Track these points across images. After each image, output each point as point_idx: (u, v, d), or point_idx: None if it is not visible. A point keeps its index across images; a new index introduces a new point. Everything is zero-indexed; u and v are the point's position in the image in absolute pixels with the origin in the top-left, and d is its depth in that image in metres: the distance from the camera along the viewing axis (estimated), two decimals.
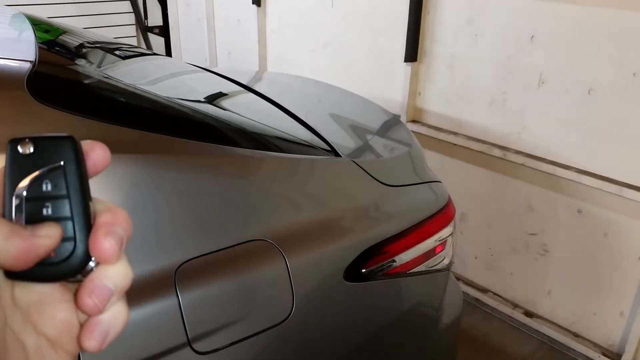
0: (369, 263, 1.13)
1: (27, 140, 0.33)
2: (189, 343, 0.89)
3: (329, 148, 1.27)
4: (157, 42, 4.33)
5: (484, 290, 2.48)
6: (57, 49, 1.28)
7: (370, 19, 2.62)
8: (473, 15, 2.18)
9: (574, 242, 2.12)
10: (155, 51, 4.11)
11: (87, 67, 1.22)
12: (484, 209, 2.40)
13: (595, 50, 1.86)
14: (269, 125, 1.35)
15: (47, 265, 0.33)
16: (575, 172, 1.99)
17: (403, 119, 2.50)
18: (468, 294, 2.50)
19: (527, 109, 2.11)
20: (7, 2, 3.33)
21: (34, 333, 0.34)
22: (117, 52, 1.59)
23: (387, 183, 1.24)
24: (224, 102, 1.47)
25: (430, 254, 1.27)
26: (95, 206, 0.35)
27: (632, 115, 1.83)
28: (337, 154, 1.25)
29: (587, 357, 2.13)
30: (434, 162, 2.47)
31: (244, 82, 1.72)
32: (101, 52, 1.48)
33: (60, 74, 1.12)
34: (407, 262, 1.21)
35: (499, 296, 2.44)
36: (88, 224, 0.33)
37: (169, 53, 4.30)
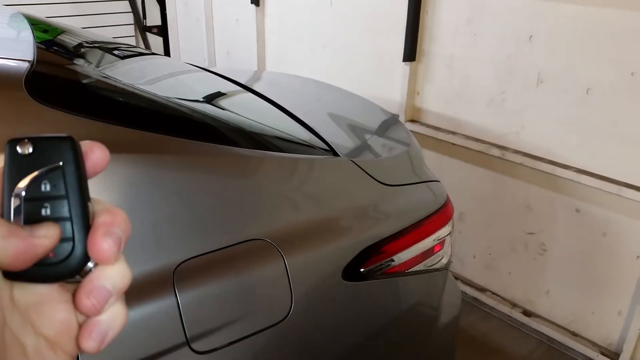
0: (368, 262, 1.13)
1: (26, 140, 0.33)
2: (187, 343, 0.89)
3: (327, 148, 1.27)
4: (155, 41, 4.32)
5: (482, 290, 2.48)
6: (56, 48, 1.28)
7: (369, 18, 2.62)
8: (472, 15, 2.18)
9: (573, 242, 2.12)
10: (153, 51, 4.10)
11: (86, 67, 1.22)
12: (482, 209, 2.40)
13: (594, 50, 1.86)
14: (268, 124, 1.35)
15: (45, 266, 0.33)
16: (574, 171, 1.99)
17: (402, 118, 2.50)
18: (466, 294, 2.50)
19: (525, 109, 2.11)
20: (6, 1, 3.32)
21: (33, 333, 0.34)
22: (115, 52, 1.59)
23: (386, 182, 1.24)
24: (223, 102, 1.47)
25: (429, 253, 1.27)
26: (94, 207, 0.35)
27: (630, 114, 1.83)
28: (335, 154, 1.25)
29: (586, 356, 2.14)
30: (433, 162, 2.47)
31: (243, 82, 1.72)
32: (100, 52, 1.48)
33: (59, 74, 1.12)
34: (405, 262, 1.21)
35: (498, 295, 2.44)
36: (87, 224, 0.33)
37: (167, 53, 4.30)
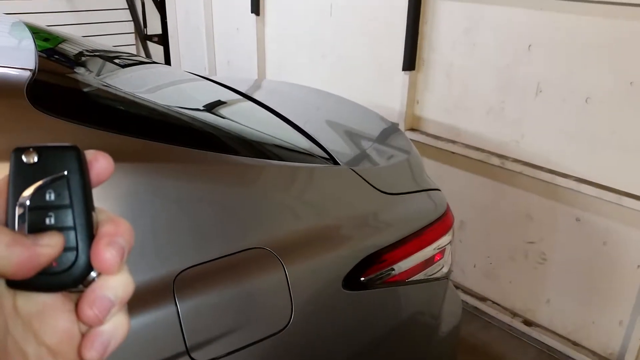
0: (368, 271, 1.13)
1: (31, 149, 0.33)
2: (187, 352, 0.88)
3: (327, 156, 1.27)
4: (156, 50, 4.34)
5: (483, 299, 2.47)
6: (57, 57, 1.29)
7: (369, 28, 2.63)
8: (470, 24, 2.20)
9: (573, 251, 2.12)
10: (154, 60, 4.12)
11: (87, 76, 1.22)
12: (482, 217, 2.40)
13: (593, 60, 1.87)
14: (268, 133, 1.35)
15: (48, 275, 0.33)
16: (574, 180, 2.00)
17: (401, 127, 2.50)
18: (467, 303, 2.49)
19: (525, 118, 2.12)
20: (7, 10, 3.34)
21: (35, 342, 0.34)
22: (116, 61, 1.59)
23: (386, 191, 1.24)
24: (223, 110, 1.47)
25: (429, 262, 1.27)
26: (97, 216, 0.35)
27: (629, 123, 1.84)
28: (335, 162, 1.25)
29: None
30: (433, 171, 2.47)
31: (243, 91, 1.72)
32: (100, 61, 1.49)
33: (60, 82, 1.12)
34: (406, 271, 1.20)
35: (498, 305, 2.43)
36: (90, 234, 0.33)
37: (168, 61, 4.31)
